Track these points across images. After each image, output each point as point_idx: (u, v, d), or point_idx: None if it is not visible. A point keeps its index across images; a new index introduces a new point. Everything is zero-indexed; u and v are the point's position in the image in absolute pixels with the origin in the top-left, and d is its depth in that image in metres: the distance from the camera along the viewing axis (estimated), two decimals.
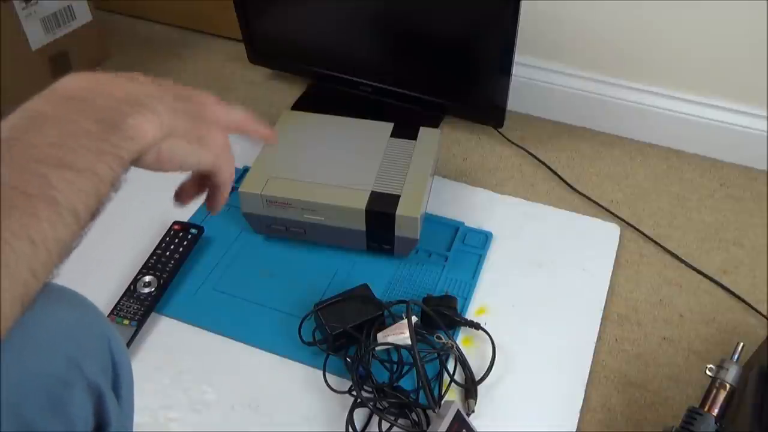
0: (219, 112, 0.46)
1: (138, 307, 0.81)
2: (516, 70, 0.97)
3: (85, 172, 0.32)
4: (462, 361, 0.76)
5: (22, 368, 0.28)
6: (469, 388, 0.74)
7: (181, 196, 0.49)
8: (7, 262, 0.27)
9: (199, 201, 1.06)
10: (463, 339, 0.80)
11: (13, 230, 0.28)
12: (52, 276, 0.31)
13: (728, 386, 0.65)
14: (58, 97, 0.35)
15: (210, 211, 0.49)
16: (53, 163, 0.31)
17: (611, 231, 0.95)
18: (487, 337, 0.79)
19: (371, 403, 0.70)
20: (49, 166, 0.31)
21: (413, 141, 0.92)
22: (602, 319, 0.83)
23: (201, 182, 0.48)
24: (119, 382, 0.48)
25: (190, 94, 0.44)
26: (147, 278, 0.84)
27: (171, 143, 0.39)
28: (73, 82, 0.36)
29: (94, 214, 0.34)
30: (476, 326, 0.80)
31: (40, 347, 0.40)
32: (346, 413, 0.71)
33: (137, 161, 0.38)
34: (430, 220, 0.93)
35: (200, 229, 0.91)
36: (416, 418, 0.70)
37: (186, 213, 0.96)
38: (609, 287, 0.87)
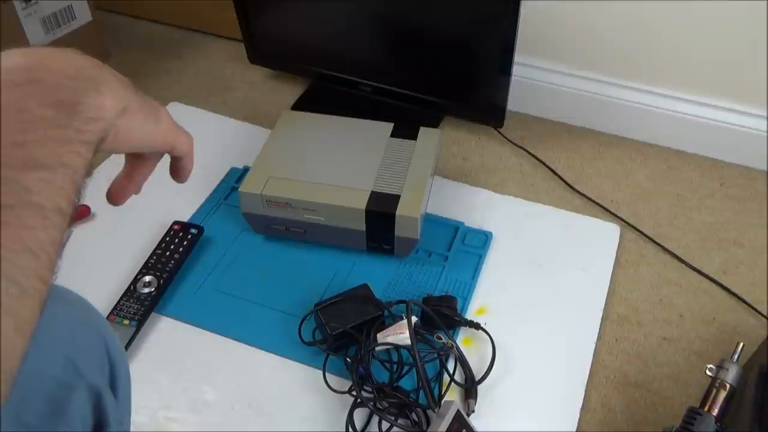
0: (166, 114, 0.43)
1: (138, 307, 0.81)
2: (516, 70, 0.97)
3: (58, 167, 0.30)
4: (462, 361, 0.76)
5: (20, 370, 0.27)
6: (469, 388, 0.74)
7: (116, 195, 0.45)
8: (17, 279, 0.27)
9: (199, 200, 1.07)
10: (463, 339, 0.80)
11: (12, 247, 0.27)
12: (55, 273, 0.31)
13: (728, 386, 0.65)
14: (4, 85, 0.31)
15: (179, 181, 0.47)
16: (23, 166, 0.29)
17: (611, 231, 0.95)
18: (487, 337, 0.79)
19: (371, 403, 0.70)
20: (20, 170, 0.29)
21: (413, 141, 0.92)
22: (602, 319, 0.83)
23: (132, 174, 0.45)
24: (116, 380, 0.48)
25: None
26: (147, 278, 0.84)
27: (127, 120, 0.36)
28: (13, 62, 0.32)
29: (74, 204, 0.32)
30: (476, 326, 0.80)
31: (37, 348, 0.40)
32: (346, 413, 0.71)
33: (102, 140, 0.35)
34: (430, 220, 0.93)
35: (200, 229, 0.91)
36: (416, 418, 0.70)
37: (186, 213, 0.96)
38: (609, 287, 0.87)
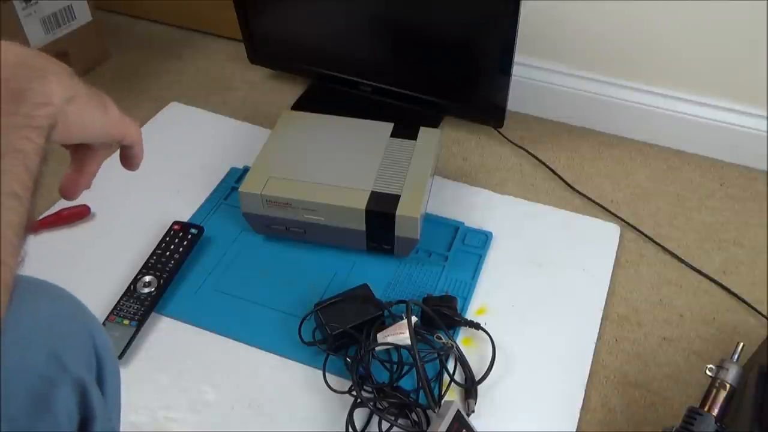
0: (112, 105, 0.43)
1: (138, 307, 0.81)
2: (516, 70, 0.97)
3: (9, 152, 0.31)
4: (462, 361, 0.76)
5: (1, 365, 0.28)
6: (469, 388, 0.74)
7: (69, 190, 0.45)
8: None
9: (199, 200, 1.07)
10: (463, 339, 0.80)
11: None
12: (21, 258, 0.31)
13: (728, 386, 0.65)
14: None
15: (130, 169, 0.48)
16: None
17: (611, 231, 0.95)
18: (487, 337, 0.79)
19: (371, 403, 0.70)
20: None
21: (413, 141, 0.92)
22: (602, 319, 0.83)
23: (82, 167, 0.45)
24: (104, 377, 0.47)
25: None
26: (147, 278, 0.84)
27: (76, 107, 0.37)
28: None
29: (33, 189, 0.32)
30: (476, 326, 0.80)
31: (19, 342, 0.40)
32: (346, 413, 0.71)
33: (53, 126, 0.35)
34: (430, 220, 0.93)
35: (200, 229, 0.91)
36: (416, 418, 0.70)
37: (186, 213, 0.96)
38: (609, 287, 0.87)
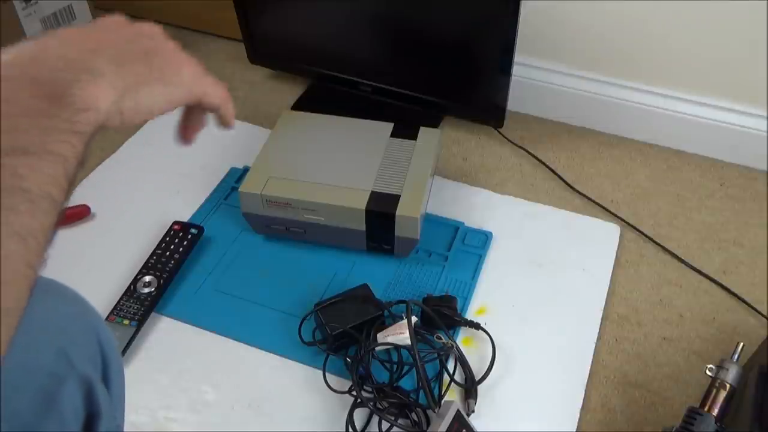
0: (186, 72, 0.40)
1: (138, 307, 0.81)
2: (516, 70, 0.97)
3: (47, 155, 0.30)
4: (462, 361, 0.76)
5: (11, 362, 0.27)
6: (469, 388, 0.74)
7: (183, 133, 0.45)
8: (6, 263, 0.27)
9: (199, 200, 1.07)
10: (463, 339, 0.80)
11: (1, 230, 0.27)
12: (44, 262, 0.31)
13: (728, 386, 0.65)
14: None
15: (225, 129, 0.46)
16: (12, 151, 0.29)
17: (611, 231, 0.95)
18: (487, 337, 0.79)
19: (371, 403, 0.70)
20: (8, 155, 0.29)
21: (413, 141, 0.92)
22: (602, 319, 0.83)
23: (190, 112, 0.44)
24: (109, 376, 0.48)
25: (136, 33, 0.40)
26: (147, 278, 0.84)
27: (130, 99, 0.36)
28: (4, 58, 0.33)
29: (66, 193, 0.32)
30: (476, 326, 0.80)
31: (28, 340, 0.40)
32: (346, 413, 0.71)
33: (103, 127, 0.35)
34: (430, 220, 0.93)
35: (200, 229, 0.91)
36: (416, 418, 0.70)
37: (186, 213, 0.96)
38: (609, 287, 0.87)
